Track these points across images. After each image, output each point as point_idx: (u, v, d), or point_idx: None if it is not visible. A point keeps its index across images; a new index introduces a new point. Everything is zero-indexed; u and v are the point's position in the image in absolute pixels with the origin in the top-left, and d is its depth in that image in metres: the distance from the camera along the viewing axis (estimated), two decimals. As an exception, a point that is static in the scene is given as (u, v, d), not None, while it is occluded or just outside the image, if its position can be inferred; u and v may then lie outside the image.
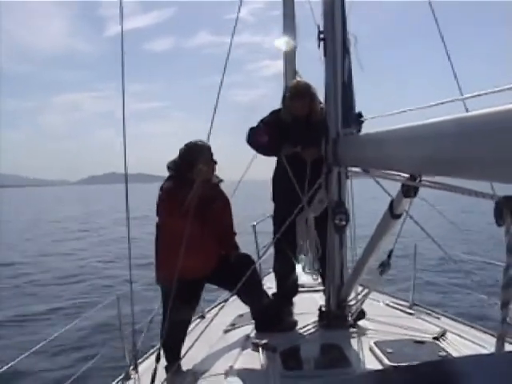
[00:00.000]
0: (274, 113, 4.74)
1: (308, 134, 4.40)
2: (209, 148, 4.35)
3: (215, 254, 4.38)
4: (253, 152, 5.03)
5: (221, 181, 4.53)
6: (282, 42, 6.36)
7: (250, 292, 4.34)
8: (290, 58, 6.29)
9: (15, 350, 8.51)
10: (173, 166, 4.39)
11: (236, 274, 3.97)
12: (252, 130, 4.72)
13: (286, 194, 4.46)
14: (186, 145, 4.38)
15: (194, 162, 4.21)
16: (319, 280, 5.05)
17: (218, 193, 4.51)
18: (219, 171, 4.47)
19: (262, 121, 4.73)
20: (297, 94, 4.59)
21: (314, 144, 4.28)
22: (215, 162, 4.43)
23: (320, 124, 4.30)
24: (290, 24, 6.21)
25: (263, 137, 4.62)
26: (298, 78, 5.41)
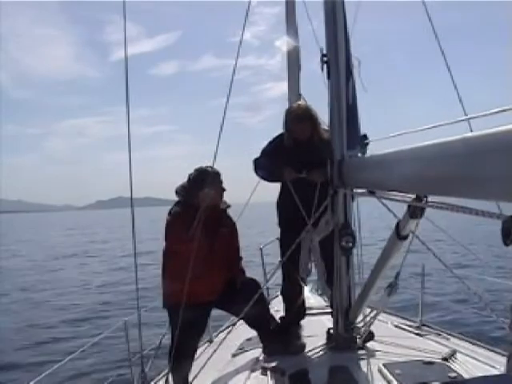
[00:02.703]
0: (277, 138, 4.77)
1: (311, 157, 4.41)
2: (218, 174, 4.38)
3: (222, 278, 4.39)
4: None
5: (228, 206, 4.55)
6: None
7: (257, 316, 4.32)
8: (293, 80, 6.31)
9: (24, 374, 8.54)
10: (181, 191, 4.42)
11: (243, 299, 3.97)
12: (256, 161, 4.78)
13: (292, 217, 4.45)
14: (196, 170, 4.41)
15: (202, 187, 4.23)
16: (327, 303, 5.03)
17: (225, 218, 4.53)
18: (226, 194, 4.50)
19: (264, 150, 4.77)
20: (297, 117, 4.61)
21: (319, 166, 4.28)
22: (223, 189, 4.45)
23: (323, 146, 4.32)
24: (293, 46, 6.25)
25: (267, 167, 4.68)
26: (299, 102, 5.43)
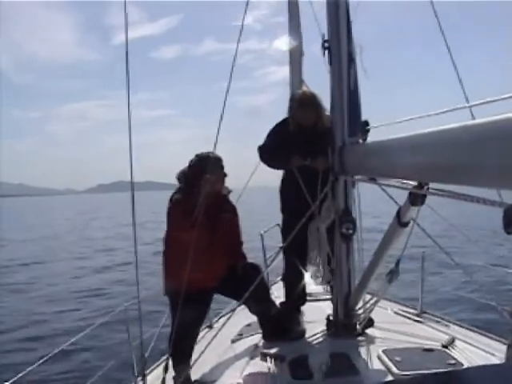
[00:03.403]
0: (281, 123, 4.75)
1: (315, 144, 4.39)
2: (219, 159, 4.37)
3: (224, 264, 4.38)
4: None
5: (229, 192, 4.54)
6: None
7: (258, 301, 4.33)
8: (296, 66, 6.28)
9: (21, 357, 8.57)
10: (182, 177, 4.40)
11: (244, 284, 3.96)
12: (261, 148, 4.78)
13: (295, 204, 4.44)
14: (197, 155, 4.38)
15: (203, 173, 4.20)
16: (327, 289, 5.03)
17: (226, 203, 4.52)
18: (227, 178, 4.49)
19: (268, 136, 4.76)
20: (303, 104, 4.59)
21: (323, 154, 4.27)
22: (225, 174, 4.44)
23: (327, 133, 4.31)
24: (295, 31, 6.22)
25: (272, 155, 4.69)
26: (304, 88, 5.41)
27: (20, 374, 3.74)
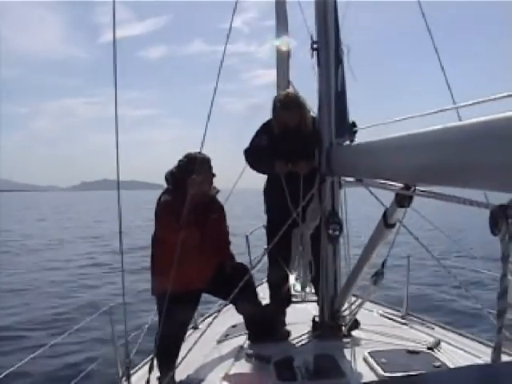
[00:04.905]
0: (264, 126, 4.74)
1: (298, 146, 4.38)
2: (207, 160, 4.35)
3: (213, 264, 4.38)
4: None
5: (217, 192, 4.53)
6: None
7: (246, 301, 4.32)
8: (283, 67, 6.26)
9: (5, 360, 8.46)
10: (170, 178, 4.38)
11: (232, 283, 3.95)
12: (247, 151, 4.74)
13: (280, 206, 4.43)
14: (185, 156, 4.37)
15: (191, 173, 4.19)
16: (313, 290, 5.03)
17: (214, 203, 4.51)
18: (216, 180, 4.47)
19: (253, 140, 4.73)
20: (286, 105, 4.56)
21: (305, 157, 4.27)
22: (213, 175, 4.42)
23: (311, 135, 4.30)
24: (283, 33, 6.19)
25: (257, 159, 4.66)
26: (289, 89, 5.40)
27: (1, 376, 3.71)
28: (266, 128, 4.71)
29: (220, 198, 4.64)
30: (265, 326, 4.45)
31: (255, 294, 4.60)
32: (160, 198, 4.35)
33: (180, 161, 4.39)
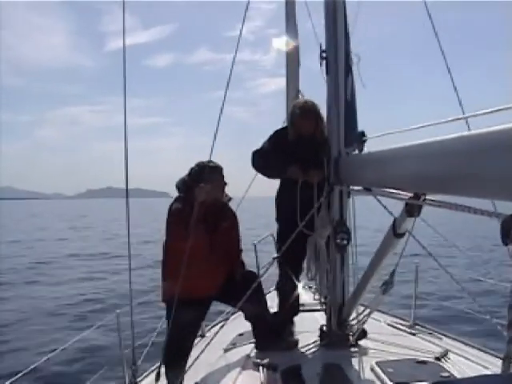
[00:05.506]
0: (278, 132, 4.74)
1: (311, 155, 4.37)
2: (217, 168, 4.36)
3: (223, 272, 4.39)
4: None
5: (230, 199, 4.54)
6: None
7: (255, 309, 4.33)
8: (292, 76, 6.27)
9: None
10: (181, 186, 4.40)
11: (242, 291, 3.95)
12: (256, 153, 4.70)
13: (291, 214, 4.41)
14: (197, 164, 4.39)
15: (202, 181, 4.20)
16: (321, 299, 5.01)
17: (226, 211, 4.52)
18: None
19: (265, 144, 4.71)
20: (306, 113, 4.55)
21: (317, 166, 4.26)
22: (225, 183, 4.43)
23: (324, 144, 4.30)
24: (292, 40, 6.20)
25: (268, 160, 4.62)
26: (303, 97, 5.40)
27: (7, 383, 3.72)
28: (279, 134, 4.71)
29: (231, 205, 4.64)
30: (272, 335, 4.44)
31: (264, 301, 4.59)
32: (171, 206, 4.37)
33: (192, 169, 4.42)
